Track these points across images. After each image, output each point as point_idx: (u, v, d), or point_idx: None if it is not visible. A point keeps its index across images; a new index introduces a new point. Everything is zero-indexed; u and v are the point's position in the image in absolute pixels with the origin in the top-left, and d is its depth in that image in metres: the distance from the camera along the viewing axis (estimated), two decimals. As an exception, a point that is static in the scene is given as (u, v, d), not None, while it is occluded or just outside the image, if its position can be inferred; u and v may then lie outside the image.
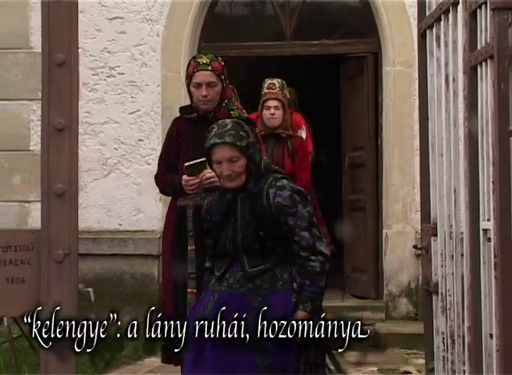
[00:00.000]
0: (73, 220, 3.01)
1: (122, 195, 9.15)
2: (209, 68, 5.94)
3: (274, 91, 8.46)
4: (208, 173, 5.61)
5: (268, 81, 8.75)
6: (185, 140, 6.15)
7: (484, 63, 3.52)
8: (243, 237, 4.64)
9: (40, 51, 2.97)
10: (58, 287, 3.04)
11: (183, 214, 6.07)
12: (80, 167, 2.92)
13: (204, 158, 5.18)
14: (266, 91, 8.54)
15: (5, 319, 7.49)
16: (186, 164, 5.80)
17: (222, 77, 6.07)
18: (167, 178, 6.27)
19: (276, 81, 8.66)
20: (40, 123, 3.08)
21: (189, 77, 6.07)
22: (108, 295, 9.08)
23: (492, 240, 3.38)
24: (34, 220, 9.52)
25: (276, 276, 4.66)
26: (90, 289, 8.14)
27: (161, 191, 6.60)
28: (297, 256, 4.61)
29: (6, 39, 9.03)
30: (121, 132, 10.19)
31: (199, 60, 6.02)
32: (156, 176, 6.43)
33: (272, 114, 8.34)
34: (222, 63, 6.07)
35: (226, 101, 6.14)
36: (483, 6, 3.55)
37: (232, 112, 5.99)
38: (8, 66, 9.76)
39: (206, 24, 10.45)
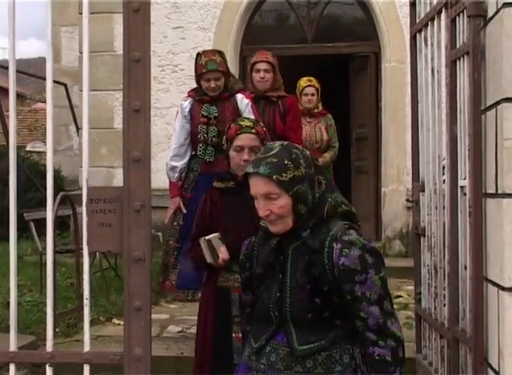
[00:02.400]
0: (147, 180, 3.01)
1: (183, 162, 9.19)
2: (253, 131, 4.20)
3: (263, 54, 6.59)
4: (223, 252, 4.01)
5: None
6: (222, 213, 4.19)
7: (462, 58, 3.49)
8: (293, 302, 2.81)
9: (121, 53, 2.96)
10: (136, 231, 3.04)
11: (226, 297, 4.12)
12: (151, 141, 2.94)
13: (218, 234, 4.01)
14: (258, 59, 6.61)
15: (97, 254, 7.55)
16: (202, 238, 4.05)
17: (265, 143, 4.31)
18: (194, 255, 4.31)
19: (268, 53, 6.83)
20: (121, 107, 3.09)
21: (229, 140, 4.25)
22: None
23: (467, 194, 3.36)
24: (117, 180, 9.61)
25: (333, 357, 2.79)
26: (159, 233, 8.19)
27: (194, 269, 4.65)
28: (362, 337, 2.77)
29: (96, 45, 9.05)
30: (182, 113, 10.21)
31: (241, 123, 4.27)
32: (188, 251, 4.58)
33: (262, 78, 6.42)
34: (264, 128, 4.39)
35: None
36: (461, 14, 3.53)
37: None
38: (97, 65, 9.76)
39: (246, 31, 10.48)
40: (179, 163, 5.77)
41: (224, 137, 4.31)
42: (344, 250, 2.70)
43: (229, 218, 4.16)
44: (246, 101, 5.81)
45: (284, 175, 2.72)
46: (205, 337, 4.25)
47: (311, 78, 8.03)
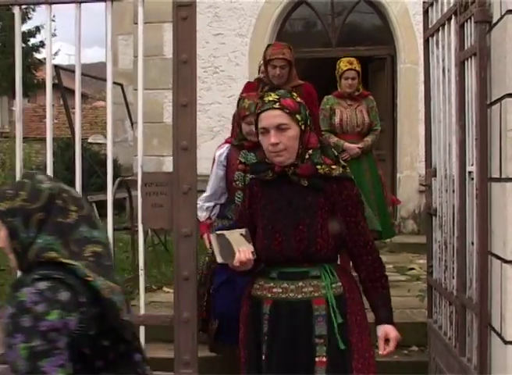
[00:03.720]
0: (193, 166, 3.02)
1: (223, 152, 9.22)
2: (277, 105, 2.96)
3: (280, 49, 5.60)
4: (243, 252, 2.94)
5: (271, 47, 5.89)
6: (261, 208, 3.11)
7: (469, 59, 3.45)
8: None
9: (169, 57, 2.97)
10: (184, 210, 3.05)
11: (258, 307, 3.07)
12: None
13: (243, 230, 2.97)
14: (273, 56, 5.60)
15: (149, 231, 7.59)
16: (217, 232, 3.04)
17: (298, 118, 3.00)
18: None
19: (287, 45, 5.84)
20: (169, 103, 3.11)
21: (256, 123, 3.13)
22: (215, 217, 9.22)
23: (474, 179, 3.33)
24: (166, 167, 9.59)
25: None
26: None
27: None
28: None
29: (148, 50, 9.03)
30: (222, 110, 10.22)
31: (265, 98, 3.03)
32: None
33: (279, 74, 5.49)
34: (298, 99, 3.07)
35: (311, 151, 3.07)
36: (469, 20, 3.48)
37: (318, 168, 3.03)
38: (149, 67, 9.77)
39: (278, 36, 10.45)
40: (211, 203, 4.61)
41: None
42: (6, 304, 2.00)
43: (268, 214, 3.06)
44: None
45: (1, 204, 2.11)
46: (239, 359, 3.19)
47: (352, 60, 6.65)
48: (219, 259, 2.94)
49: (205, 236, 4.47)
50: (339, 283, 3.03)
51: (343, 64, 6.56)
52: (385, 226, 6.40)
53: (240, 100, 4.62)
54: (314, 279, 2.98)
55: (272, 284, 3.00)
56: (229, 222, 4.39)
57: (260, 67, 6.17)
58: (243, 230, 2.95)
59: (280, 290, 2.99)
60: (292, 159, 3.00)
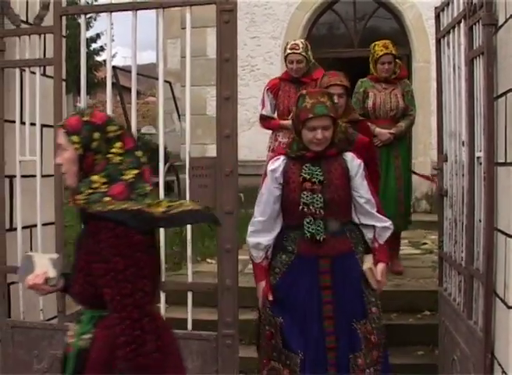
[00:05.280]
0: (234, 151, 3.02)
1: (259, 140, 9.18)
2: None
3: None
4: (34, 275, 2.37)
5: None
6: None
7: (478, 57, 3.40)
8: None
9: (212, 57, 2.98)
10: (226, 191, 3.06)
11: None
12: (235, 123, 2.98)
13: (55, 255, 2.47)
14: (289, 51, 5.55)
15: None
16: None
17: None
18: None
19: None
20: (212, 98, 3.12)
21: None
22: (251, 198, 9.17)
23: (482, 163, 3.29)
24: (209, 154, 9.64)
25: None
26: (241, 194, 8.20)
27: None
28: None
29: (193, 51, 9.14)
30: (258, 103, 10.17)
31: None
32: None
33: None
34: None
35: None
36: (477, 23, 3.43)
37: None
38: (194, 67, 9.78)
39: (307, 39, 10.35)
40: (264, 239, 3.42)
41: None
42: None
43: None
44: (357, 161, 3.42)
45: None
46: None
47: (387, 43, 5.70)
48: (18, 277, 2.51)
49: (262, 284, 3.38)
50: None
51: (379, 48, 5.70)
52: (403, 216, 5.79)
53: (299, 98, 3.36)
54: None
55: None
56: (289, 256, 3.35)
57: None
58: (54, 255, 2.48)
59: None
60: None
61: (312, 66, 5.74)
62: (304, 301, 3.26)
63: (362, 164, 3.42)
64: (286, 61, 5.73)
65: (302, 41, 5.84)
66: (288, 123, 5.18)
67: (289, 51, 5.62)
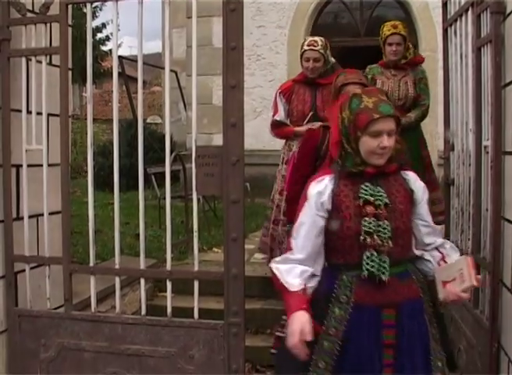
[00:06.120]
0: (241, 140, 3.01)
1: (265, 129, 9.19)
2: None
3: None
4: None
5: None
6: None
7: (485, 46, 3.37)
8: None
9: (218, 46, 2.97)
10: (232, 179, 3.05)
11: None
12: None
13: None
14: (306, 47, 4.99)
15: (200, 198, 7.63)
16: None
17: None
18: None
19: (319, 39, 5.08)
20: (218, 87, 3.11)
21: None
22: (257, 187, 9.22)
23: (489, 152, 3.28)
24: (215, 143, 9.72)
25: None
26: (247, 183, 8.21)
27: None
28: None
29: (199, 40, 9.12)
30: (263, 92, 10.25)
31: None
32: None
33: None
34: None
35: None
36: (485, 11, 3.42)
37: None
38: (200, 56, 9.76)
39: (313, 28, 10.48)
40: (307, 268, 2.61)
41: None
42: None
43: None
44: (421, 183, 2.74)
45: None
46: None
47: (397, 23, 5.22)
48: None
49: (301, 314, 2.46)
50: None
51: (387, 28, 5.25)
52: None
53: (352, 99, 2.61)
54: None
55: None
56: (344, 309, 2.56)
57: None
58: None
59: None
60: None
61: (333, 67, 5.12)
62: (360, 362, 2.52)
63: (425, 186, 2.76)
64: (301, 59, 5.09)
65: (321, 38, 5.10)
66: (303, 129, 4.78)
67: (306, 47, 5.02)
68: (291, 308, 2.50)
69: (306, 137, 4.06)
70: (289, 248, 2.64)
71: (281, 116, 5.22)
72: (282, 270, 2.60)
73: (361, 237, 2.51)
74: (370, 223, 2.52)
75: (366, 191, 2.56)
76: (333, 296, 2.57)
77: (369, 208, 2.53)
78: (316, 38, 5.10)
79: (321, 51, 5.00)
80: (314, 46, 4.99)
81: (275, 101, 5.31)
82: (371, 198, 2.54)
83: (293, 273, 2.58)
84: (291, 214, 3.33)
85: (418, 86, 5.34)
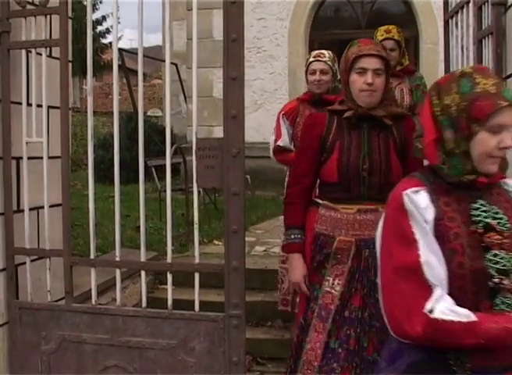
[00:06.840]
0: (241, 132, 3.00)
1: (265, 122, 9.18)
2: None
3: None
4: None
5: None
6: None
7: (487, 37, 3.38)
8: None
9: (218, 39, 2.96)
10: (233, 172, 3.04)
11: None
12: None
13: None
14: (312, 59, 4.51)
15: (201, 191, 7.63)
16: None
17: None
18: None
19: (326, 52, 4.58)
20: (218, 80, 3.10)
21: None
22: (258, 180, 9.23)
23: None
24: (215, 135, 9.71)
25: None
26: (247, 176, 8.22)
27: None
28: None
29: (199, 33, 9.11)
30: (264, 85, 10.26)
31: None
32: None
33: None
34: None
35: None
36: (486, 3, 3.42)
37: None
38: (200, 48, 9.75)
39: (314, 20, 10.48)
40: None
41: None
42: None
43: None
44: None
45: None
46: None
47: (391, 27, 4.84)
48: None
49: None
50: None
51: (379, 33, 4.88)
52: None
53: (460, 80, 1.92)
54: None
55: None
56: None
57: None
58: None
59: None
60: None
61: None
62: None
63: None
64: (306, 75, 4.56)
65: (329, 51, 4.60)
66: None
67: (311, 59, 4.53)
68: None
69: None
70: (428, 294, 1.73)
71: (284, 141, 4.63)
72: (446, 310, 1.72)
73: (495, 279, 1.75)
74: (502, 258, 1.76)
75: (484, 211, 1.82)
76: (441, 362, 1.78)
77: (494, 237, 1.78)
78: (323, 51, 4.60)
79: (329, 63, 4.48)
80: (321, 57, 4.49)
81: (277, 124, 4.71)
82: (494, 222, 1.80)
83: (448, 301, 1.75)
84: (289, 219, 3.23)
85: (415, 94, 4.81)
